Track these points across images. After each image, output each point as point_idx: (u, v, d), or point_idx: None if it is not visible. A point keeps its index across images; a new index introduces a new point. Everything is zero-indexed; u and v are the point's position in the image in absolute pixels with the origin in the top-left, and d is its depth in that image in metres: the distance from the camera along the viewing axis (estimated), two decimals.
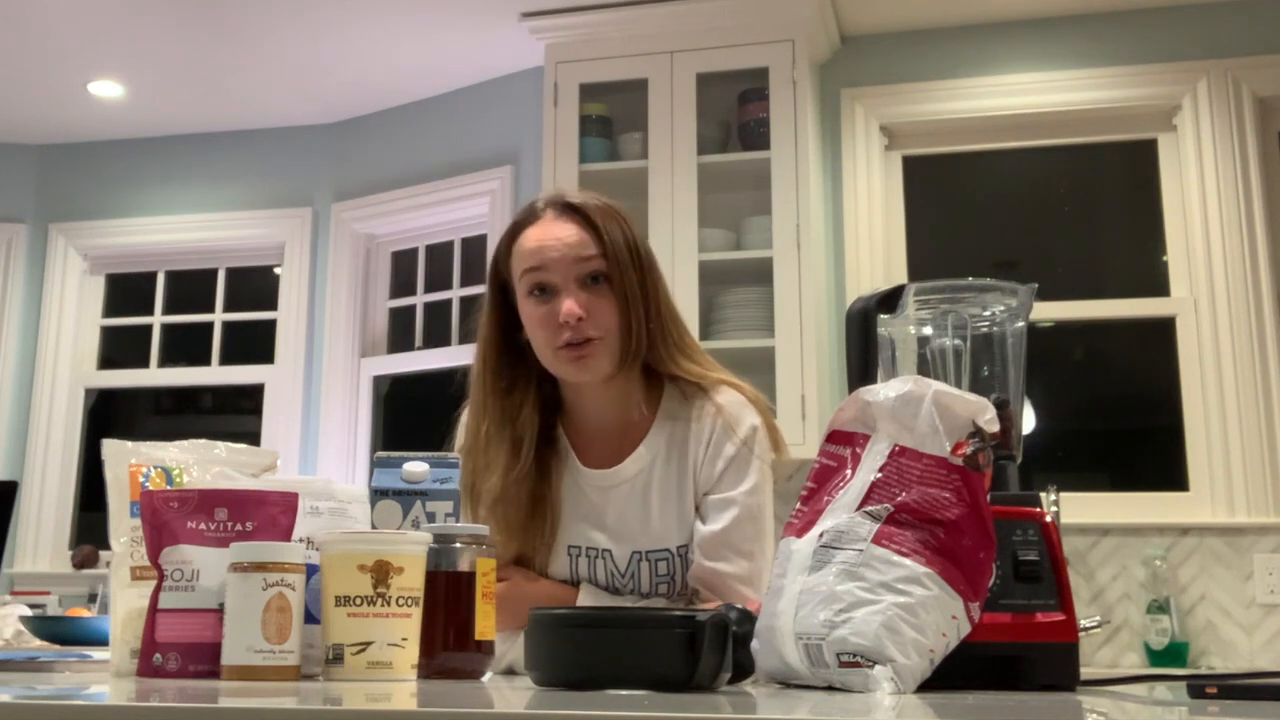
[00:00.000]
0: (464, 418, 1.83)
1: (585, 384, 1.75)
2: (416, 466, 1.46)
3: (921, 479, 1.13)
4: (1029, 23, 3.89)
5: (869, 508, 1.14)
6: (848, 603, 1.10)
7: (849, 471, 1.18)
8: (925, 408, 1.14)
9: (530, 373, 1.77)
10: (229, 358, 4.78)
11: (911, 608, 1.09)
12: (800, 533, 1.18)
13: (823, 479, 1.21)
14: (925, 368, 1.37)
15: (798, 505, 1.22)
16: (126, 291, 4.95)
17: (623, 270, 1.70)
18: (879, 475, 1.15)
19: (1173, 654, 3.34)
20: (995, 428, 1.14)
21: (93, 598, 4.29)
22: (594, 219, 1.71)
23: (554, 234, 1.71)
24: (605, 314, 1.69)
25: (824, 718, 0.84)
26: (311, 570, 1.20)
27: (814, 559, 1.14)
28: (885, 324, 1.37)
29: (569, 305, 1.66)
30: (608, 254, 1.69)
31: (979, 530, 1.12)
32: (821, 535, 1.15)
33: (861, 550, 1.12)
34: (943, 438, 1.14)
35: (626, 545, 1.74)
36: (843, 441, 1.21)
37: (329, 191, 4.65)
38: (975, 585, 1.12)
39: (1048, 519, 1.25)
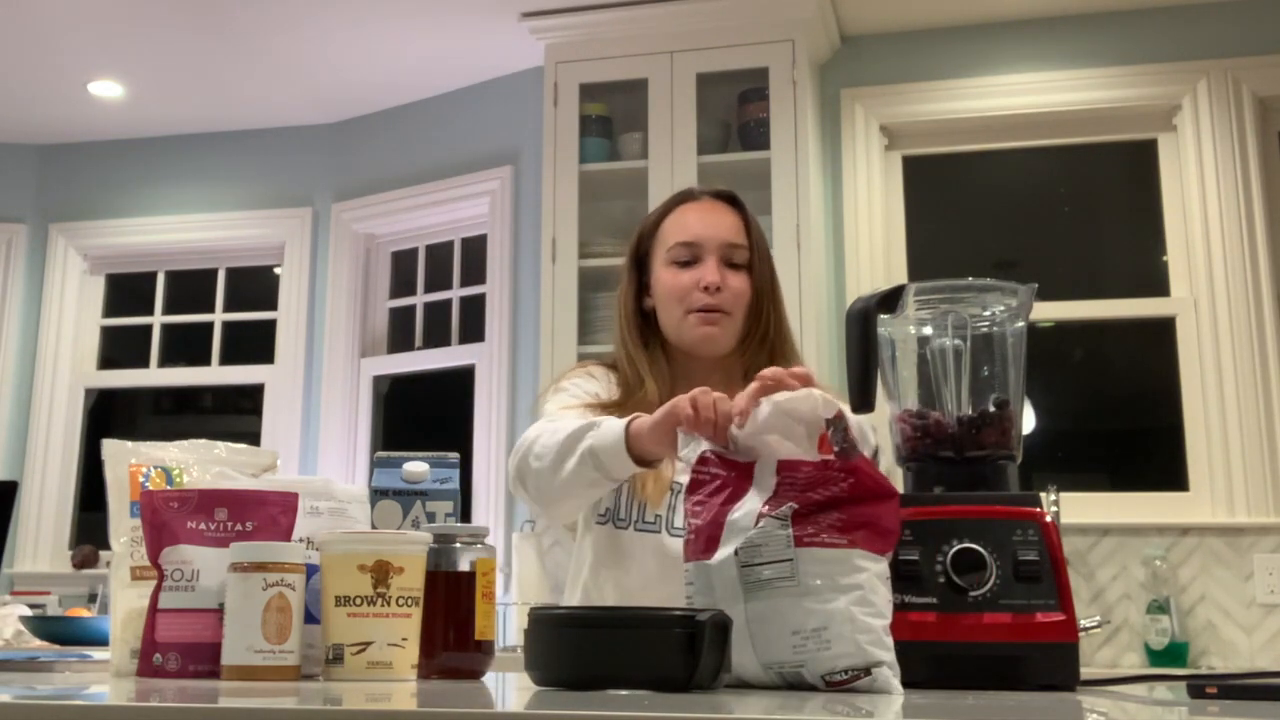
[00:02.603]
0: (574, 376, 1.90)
1: (699, 360, 1.85)
2: (416, 466, 1.46)
3: (809, 479, 1.13)
4: (1029, 23, 3.89)
5: (773, 513, 1.12)
6: (812, 626, 1.08)
7: (739, 484, 1.16)
8: (773, 419, 1.15)
9: (655, 341, 1.89)
10: (229, 358, 4.78)
11: (863, 597, 1.09)
12: (707, 552, 1.14)
13: (711, 493, 1.18)
14: (925, 368, 1.37)
15: (690, 521, 1.18)
16: (126, 291, 4.95)
17: (762, 263, 1.87)
18: (775, 480, 1.14)
19: (1173, 654, 3.33)
20: (834, 410, 1.15)
21: (93, 598, 4.28)
22: (747, 213, 1.90)
23: (714, 215, 1.87)
24: (740, 294, 1.84)
25: (829, 718, 0.84)
26: (311, 570, 1.20)
27: (743, 582, 1.12)
28: (885, 324, 1.37)
29: (713, 273, 1.81)
30: (753, 246, 1.87)
31: (873, 486, 1.12)
32: (737, 554, 1.12)
33: (790, 559, 1.10)
34: (805, 441, 1.14)
35: None
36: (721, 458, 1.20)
37: (329, 191, 4.65)
38: (888, 534, 1.13)
39: (1048, 519, 1.25)
